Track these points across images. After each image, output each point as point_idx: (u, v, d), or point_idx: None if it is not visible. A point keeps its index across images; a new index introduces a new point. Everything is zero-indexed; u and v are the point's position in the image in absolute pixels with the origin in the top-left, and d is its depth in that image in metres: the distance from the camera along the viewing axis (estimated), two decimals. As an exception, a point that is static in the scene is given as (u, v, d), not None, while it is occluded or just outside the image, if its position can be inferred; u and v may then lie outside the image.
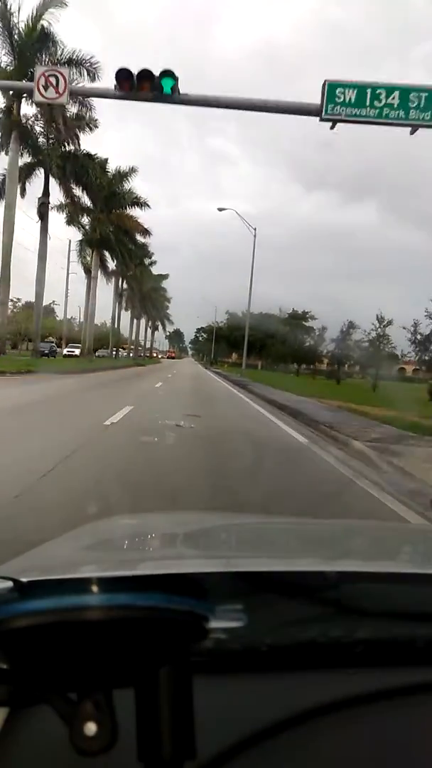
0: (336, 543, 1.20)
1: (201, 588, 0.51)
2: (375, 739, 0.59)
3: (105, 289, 58.79)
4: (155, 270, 69.39)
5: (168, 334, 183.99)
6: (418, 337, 26.91)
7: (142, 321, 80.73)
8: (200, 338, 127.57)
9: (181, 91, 9.23)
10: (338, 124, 9.43)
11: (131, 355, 67.87)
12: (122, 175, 36.95)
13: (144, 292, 63.16)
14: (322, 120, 9.35)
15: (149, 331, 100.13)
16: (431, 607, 0.75)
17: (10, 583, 0.48)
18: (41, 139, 26.23)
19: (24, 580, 0.49)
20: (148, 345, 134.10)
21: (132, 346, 71.87)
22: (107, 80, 17.25)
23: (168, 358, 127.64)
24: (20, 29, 21.60)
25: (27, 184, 27.26)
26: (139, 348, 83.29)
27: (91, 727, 0.45)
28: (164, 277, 74.61)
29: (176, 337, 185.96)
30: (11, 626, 0.43)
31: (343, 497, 5.04)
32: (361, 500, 4.90)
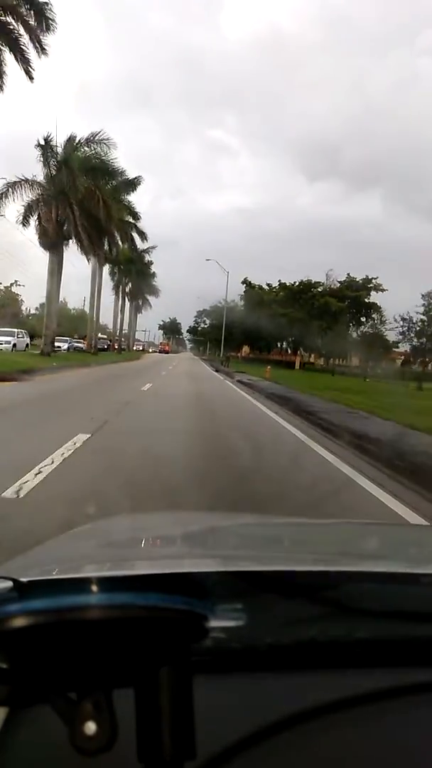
0: (336, 543, 1.18)
1: (201, 587, 0.51)
2: (375, 739, 0.59)
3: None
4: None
5: (162, 323, 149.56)
6: None
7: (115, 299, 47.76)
8: (202, 325, 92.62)
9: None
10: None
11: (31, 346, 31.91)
12: None
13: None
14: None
15: (128, 310, 65.70)
16: (430, 607, 0.75)
17: (9, 583, 0.48)
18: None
19: (23, 579, 0.49)
20: (142, 336, 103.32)
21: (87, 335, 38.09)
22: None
23: (160, 352, 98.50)
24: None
25: None
26: (101, 337, 48.82)
27: (91, 727, 0.44)
28: (131, 184, 34.96)
29: (172, 327, 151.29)
30: (11, 626, 0.43)
31: None
32: None
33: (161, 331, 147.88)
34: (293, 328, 54.59)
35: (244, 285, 62.88)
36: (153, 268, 64.47)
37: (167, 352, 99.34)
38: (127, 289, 63.24)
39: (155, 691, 0.46)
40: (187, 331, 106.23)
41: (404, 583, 0.79)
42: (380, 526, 1.85)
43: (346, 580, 0.75)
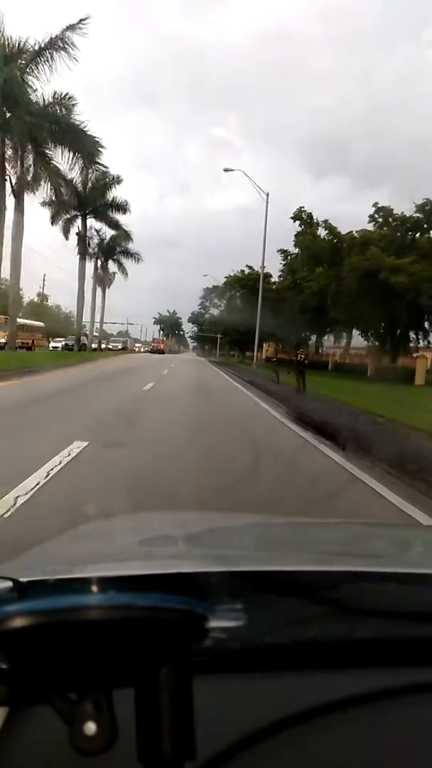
0: (336, 543, 1.18)
1: (200, 587, 0.51)
2: (375, 739, 0.59)
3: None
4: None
5: (159, 316, 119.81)
6: None
7: None
8: (211, 310, 62.87)
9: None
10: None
11: None
12: None
13: None
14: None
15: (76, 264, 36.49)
16: (430, 607, 0.75)
17: (9, 583, 0.48)
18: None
19: (23, 579, 0.48)
20: (137, 333, 75.07)
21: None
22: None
23: (153, 351, 71.92)
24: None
25: None
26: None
27: (90, 727, 0.44)
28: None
29: (171, 322, 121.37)
30: (11, 626, 0.43)
31: None
32: None
33: (158, 326, 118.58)
34: (419, 297, 24.55)
35: (297, 222, 33.23)
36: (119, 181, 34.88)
37: (162, 352, 71.19)
38: (77, 227, 34.01)
39: (155, 691, 0.46)
40: (189, 320, 75.55)
41: (404, 583, 0.78)
42: (380, 527, 1.82)
43: (346, 580, 0.75)
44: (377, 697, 0.62)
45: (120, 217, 37.80)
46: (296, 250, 37.33)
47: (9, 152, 21.90)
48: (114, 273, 47.88)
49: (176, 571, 0.72)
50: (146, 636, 0.45)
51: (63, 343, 42.50)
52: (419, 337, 30.72)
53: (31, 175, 22.86)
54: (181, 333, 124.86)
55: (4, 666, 0.46)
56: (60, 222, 34.11)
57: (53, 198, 27.23)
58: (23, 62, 20.80)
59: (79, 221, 35.73)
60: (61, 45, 20.64)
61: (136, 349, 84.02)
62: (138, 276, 77.96)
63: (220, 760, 0.54)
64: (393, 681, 0.65)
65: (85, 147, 23.21)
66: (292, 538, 1.22)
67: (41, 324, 45.26)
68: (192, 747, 0.46)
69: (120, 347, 65.18)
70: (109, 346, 60.71)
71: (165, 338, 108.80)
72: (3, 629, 0.43)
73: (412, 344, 31.32)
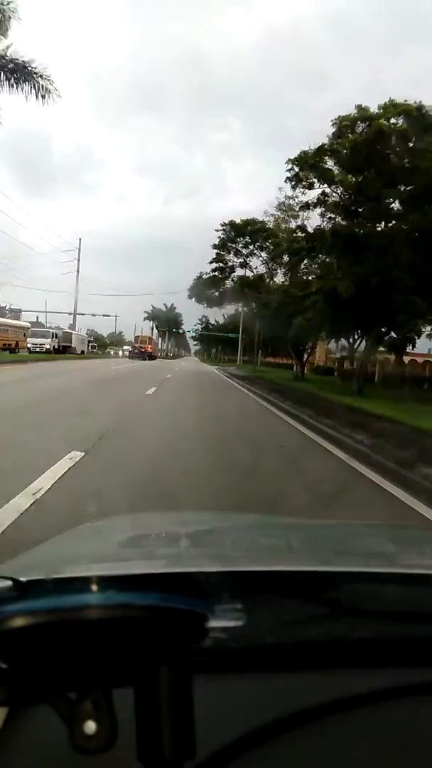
0: (336, 543, 1.18)
1: (200, 587, 0.51)
2: (375, 739, 0.59)
3: None
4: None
5: (152, 310, 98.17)
6: None
7: None
8: (230, 281, 39.89)
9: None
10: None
11: None
12: None
13: None
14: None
15: None
16: (430, 607, 0.75)
17: (9, 583, 0.48)
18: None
19: (23, 579, 0.49)
20: (129, 333, 57.30)
21: None
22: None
23: (134, 355, 51.99)
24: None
25: None
26: None
27: (90, 726, 0.44)
28: None
29: (169, 319, 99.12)
30: (10, 626, 0.43)
31: None
32: None
33: (150, 323, 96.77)
34: None
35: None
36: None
37: (152, 357, 50.12)
38: None
39: (155, 691, 0.46)
40: (192, 292, 50.22)
41: (404, 583, 0.78)
42: (380, 527, 1.83)
43: (346, 580, 0.75)
44: (377, 697, 0.62)
45: None
46: None
47: None
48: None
49: (176, 570, 0.74)
50: (146, 635, 0.45)
51: None
52: None
53: None
54: (181, 332, 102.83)
55: (4, 666, 0.45)
56: None
57: None
58: None
59: None
60: None
61: (120, 354, 62.16)
62: (137, 278, 56.50)
63: (220, 759, 0.54)
64: (393, 681, 0.64)
65: None
66: (292, 538, 1.23)
67: None
68: (192, 746, 0.46)
69: (47, 347, 37.68)
70: (28, 345, 36.83)
71: (159, 337, 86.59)
72: (3, 629, 0.43)
73: None
